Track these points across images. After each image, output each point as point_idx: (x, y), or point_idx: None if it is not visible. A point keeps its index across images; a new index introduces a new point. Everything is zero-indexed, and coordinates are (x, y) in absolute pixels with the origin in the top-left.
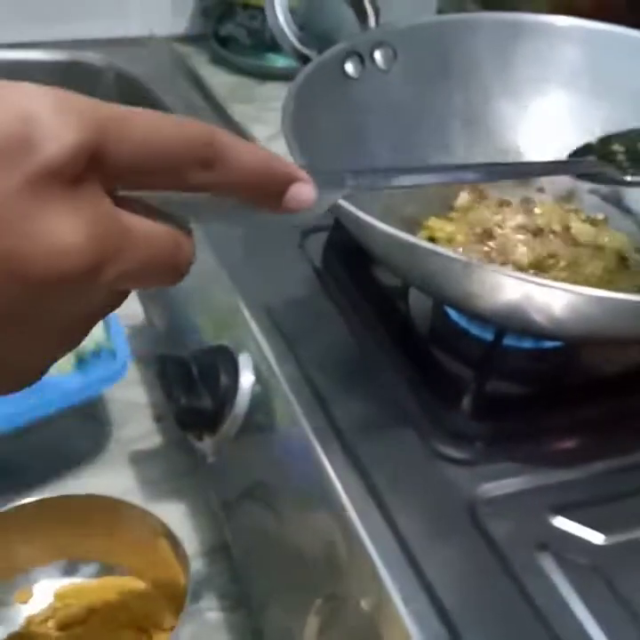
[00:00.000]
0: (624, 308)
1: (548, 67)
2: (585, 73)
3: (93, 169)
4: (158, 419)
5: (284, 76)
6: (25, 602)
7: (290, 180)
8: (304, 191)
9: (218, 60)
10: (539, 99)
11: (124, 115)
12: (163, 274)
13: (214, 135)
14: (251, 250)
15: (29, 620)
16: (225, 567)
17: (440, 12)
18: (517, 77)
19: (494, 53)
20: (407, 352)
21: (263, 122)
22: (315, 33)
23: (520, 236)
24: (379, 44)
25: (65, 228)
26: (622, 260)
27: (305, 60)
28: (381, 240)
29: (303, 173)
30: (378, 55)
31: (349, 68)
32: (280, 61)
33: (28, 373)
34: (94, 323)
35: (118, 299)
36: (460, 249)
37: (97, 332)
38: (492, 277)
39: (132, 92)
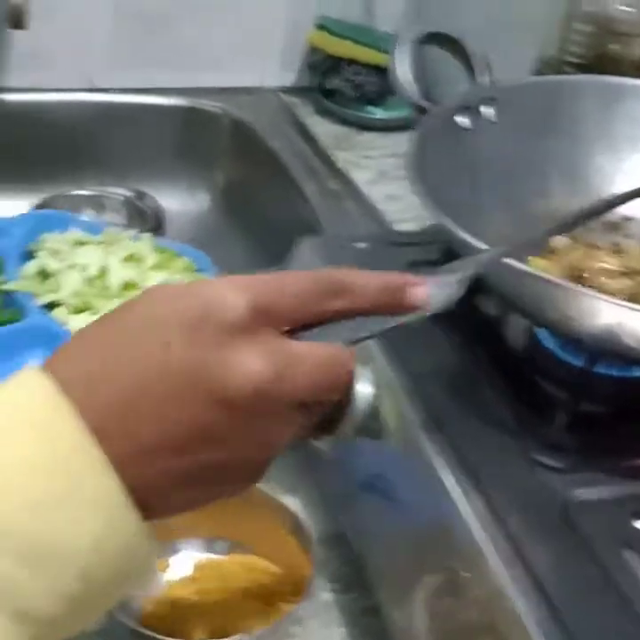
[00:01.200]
0: None
1: None
2: None
3: (263, 320)
4: None
5: (382, 127)
6: (162, 571)
7: (406, 284)
8: (419, 291)
9: (321, 111)
10: (635, 155)
11: (276, 277)
12: (330, 385)
13: (338, 274)
14: None
15: (170, 585)
16: (336, 554)
17: (538, 73)
18: (616, 135)
19: (596, 112)
20: (506, 372)
21: (363, 167)
22: (429, 87)
23: (612, 277)
24: (488, 99)
25: (248, 359)
26: None
27: (422, 111)
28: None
29: (415, 278)
30: (487, 109)
31: (461, 119)
32: (379, 113)
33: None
34: (284, 439)
35: (301, 429)
36: None
37: None
38: (589, 302)
39: (243, 136)
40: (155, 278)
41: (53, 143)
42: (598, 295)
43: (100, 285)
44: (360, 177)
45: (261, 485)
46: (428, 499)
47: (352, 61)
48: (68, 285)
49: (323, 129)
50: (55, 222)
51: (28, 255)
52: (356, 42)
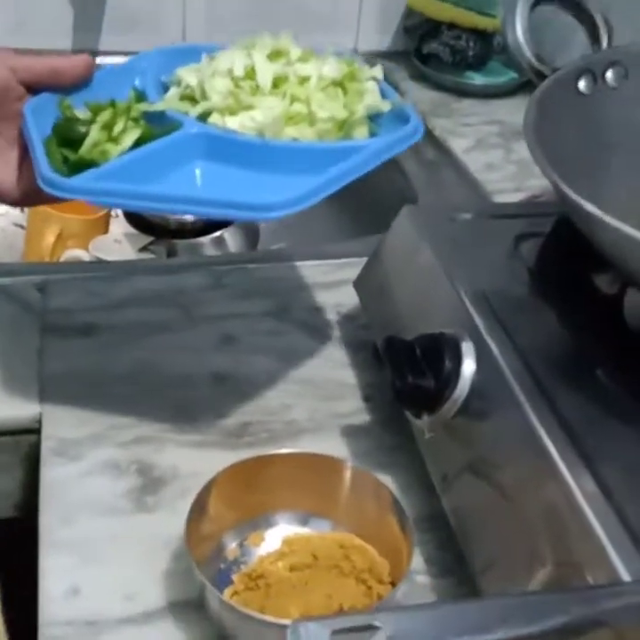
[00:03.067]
0: None
1: None
2: None
3: None
4: (367, 399)
5: (481, 93)
6: (257, 545)
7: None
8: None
9: (418, 76)
10: None
11: None
12: None
13: None
14: (467, 250)
15: (261, 560)
16: (432, 537)
17: None
18: None
19: None
20: (621, 353)
21: (460, 135)
22: (547, 51)
23: None
24: (612, 64)
25: None
26: None
27: (540, 76)
28: (616, 238)
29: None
30: (610, 74)
31: (582, 85)
32: (478, 79)
33: None
34: None
35: None
36: None
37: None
38: None
39: None
40: (304, 70)
41: None
42: None
43: (249, 85)
44: (457, 145)
45: (359, 464)
46: (539, 485)
47: (452, 25)
48: (217, 91)
49: (419, 95)
50: (188, 55)
51: (166, 88)
52: (457, 4)
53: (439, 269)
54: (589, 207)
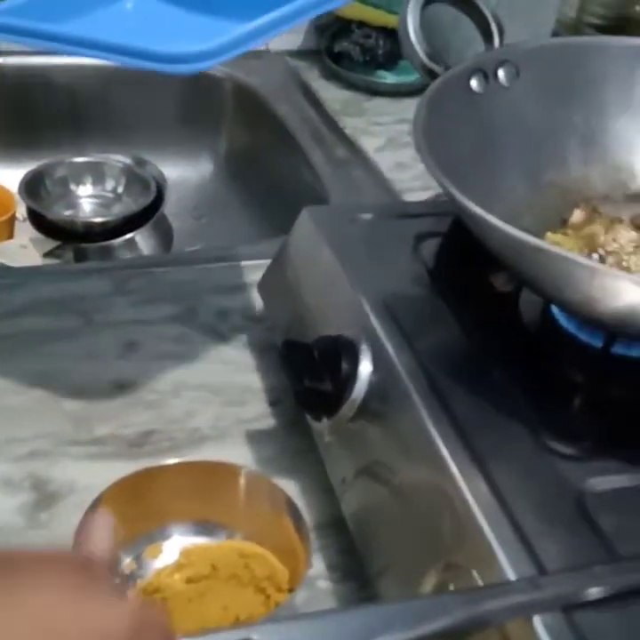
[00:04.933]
0: None
1: None
2: None
3: None
4: (273, 403)
5: (392, 92)
6: (154, 557)
7: None
8: None
9: (329, 75)
10: None
11: None
12: None
13: None
14: (368, 251)
15: (158, 573)
16: (334, 541)
17: (555, 35)
18: (638, 99)
19: (617, 75)
20: (518, 352)
21: (372, 134)
22: (439, 50)
23: (633, 251)
24: (503, 63)
25: None
26: None
27: (432, 75)
28: (505, 241)
29: None
30: (501, 73)
31: (474, 84)
32: (389, 78)
33: None
34: None
35: None
36: None
37: None
38: (610, 281)
39: (248, 101)
40: None
41: (55, 108)
42: (619, 273)
43: None
44: (368, 144)
45: (257, 469)
46: (431, 486)
47: (362, 24)
48: None
49: (330, 94)
50: None
51: None
52: (365, 2)
53: (339, 271)
54: (476, 209)
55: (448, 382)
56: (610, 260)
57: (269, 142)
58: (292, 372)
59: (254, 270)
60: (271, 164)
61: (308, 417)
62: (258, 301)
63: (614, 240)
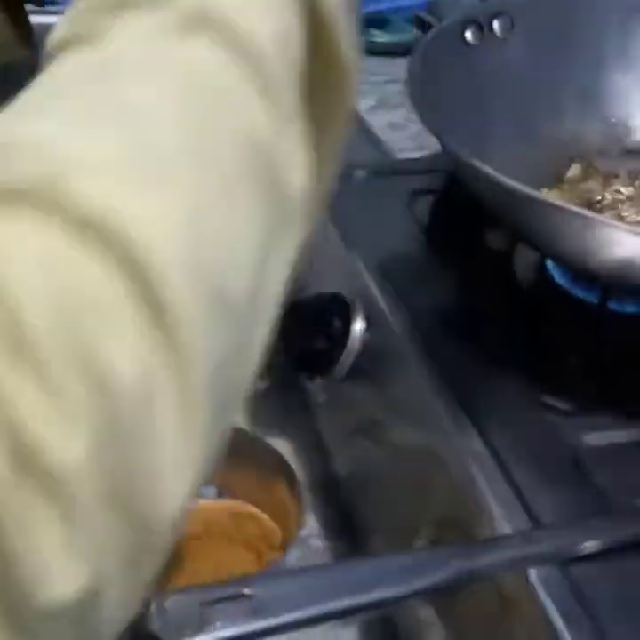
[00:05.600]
0: None
1: None
2: None
3: None
4: (266, 361)
5: (384, 51)
6: None
7: None
8: None
9: None
10: None
11: None
12: None
13: None
14: (361, 209)
15: None
16: (327, 500)
17: None
18: (635, 52)
19: (613, 29)
20: (513, 309)
21: (364, 94)
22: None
23: (630, 204)
24: (498, 14)
25: None
26: None
27: (427, 28)
28: (501, 192)
29: None
30: (496, 24)
31: (469, 36)
32: (380, 36)
33: None
34: None
35: None
36: None
37: None
38: (606, 231)
39: None
40: None
41: None
42: (616, 223)
43: None
44: (361, 104)
45: (248, 427)
46: (425, 443)
47: None
48: None
49: None
50: None
51: None
52: None
53: (332, 230)
54: (471, 160)
55: (442, 340)
56: (606, 214)
57: None
58: (284, 330)
59: None
60: None
61: (302, 376)
62: None
63: (611, 194)
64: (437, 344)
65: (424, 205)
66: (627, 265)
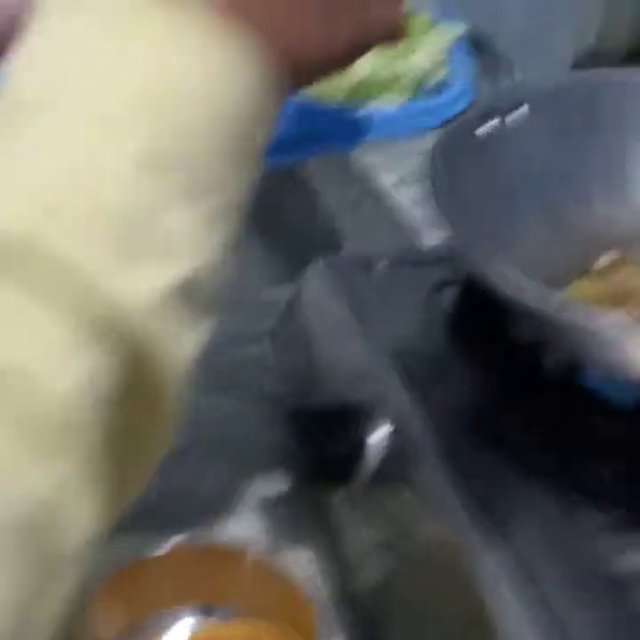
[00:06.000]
0: None
1: None
2: None
3: None
4: (284, 465)
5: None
6: None
7: None
8: None
9: None
10: None
11: None
12: None
13: None
14: (383, 303)
15: None
16: (349, 615)
17: (576, 66)
18: None
19: (636, 108)
20: (542, 410)
21: (387, 170)
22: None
23: None
24: (514, 104)
25: None
26: None
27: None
28: (525, 297)
29: None
30: (513, 115)
31: (485, 128)
32: None
33: None
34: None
35: None
36: None
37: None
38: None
39: None
40: None
41: None
42: None
43: None
44: (383, 181)
45: (266, 539)
46: (451, 557)
47: None
48: None
49: None
50: None
51: None
52: None
53: (353, 326)
54: (494, 268)
55: (467, 443)
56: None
57: (276, 179)
58: (302, 436)
59: (268, 318)
60: (279, 203)
61: (322, 485)
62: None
63: None
64: (462, 448)
65: (448, 297)
66: None
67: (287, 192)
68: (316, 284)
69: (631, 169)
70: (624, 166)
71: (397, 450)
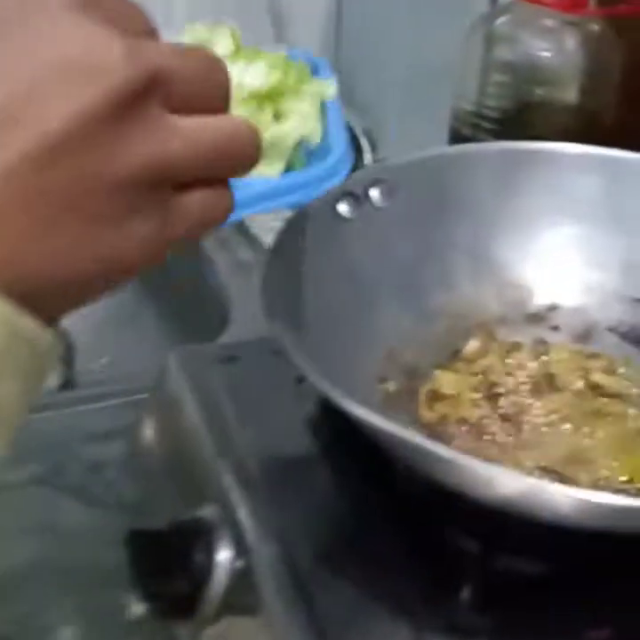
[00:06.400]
0: None
1: (560, 197)
2: (601, 203)
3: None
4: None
5: None
6: None
7: None
8: None
9: None
10: (550, 230)
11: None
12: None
13: None
14: (240, 402)
15: None
16: None
17: (454, 133)
18: (526, 209)
19: (500, 185)
20: (404, 525)
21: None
22: None
23: (531, 389)
24: (375, 182)
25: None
26: None
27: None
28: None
29: None
30: (374, 193)
31: (343, 209)
32: None
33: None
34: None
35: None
36: (467, 414)
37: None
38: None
39: None
40: None
41: None
42: (494, 468)
43: None
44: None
45: None
46: None
47: None
48: None
49: None
50: None
51: None
52: None
53: (202, 433)
54: (331, 392)
55: (319, 570)
56: (505, 401)
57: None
58: (139, 570)
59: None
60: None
61: (166, 623)
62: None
63: (511, 375)
64: (314, 581)
65: (312, 392)
66: (511, 503)
67: (177, 258)
68: (168, 382)
69: (496, 245)
70: (488, 243)
71: (242, 579)
